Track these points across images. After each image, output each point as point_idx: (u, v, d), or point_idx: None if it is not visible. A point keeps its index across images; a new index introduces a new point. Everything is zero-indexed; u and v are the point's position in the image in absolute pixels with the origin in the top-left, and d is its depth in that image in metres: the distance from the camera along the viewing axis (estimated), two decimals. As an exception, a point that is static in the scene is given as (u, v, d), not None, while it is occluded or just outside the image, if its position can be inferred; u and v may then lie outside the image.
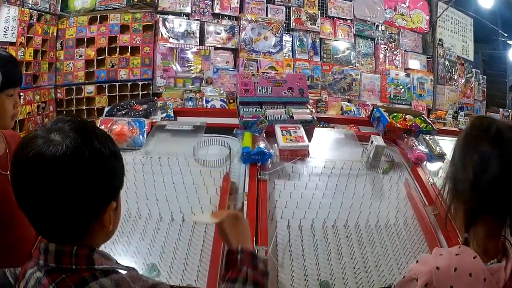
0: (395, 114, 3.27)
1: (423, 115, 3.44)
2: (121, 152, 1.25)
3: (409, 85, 7.52)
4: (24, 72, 4.92)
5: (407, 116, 3.27)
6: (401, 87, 7.42)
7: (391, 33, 7.80)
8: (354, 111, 6.53)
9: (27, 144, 1.10)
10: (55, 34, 5.60)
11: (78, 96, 5.66)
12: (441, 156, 2.87)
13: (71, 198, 1.09)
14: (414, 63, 7.90)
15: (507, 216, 1.31)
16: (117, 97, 5.74)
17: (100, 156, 1.13)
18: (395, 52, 7.68)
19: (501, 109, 8.77)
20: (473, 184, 1.30)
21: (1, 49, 2.29)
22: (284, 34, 6.77)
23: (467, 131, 1.41)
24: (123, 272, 1.18)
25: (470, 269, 1.25)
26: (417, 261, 1.36)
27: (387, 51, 7.61)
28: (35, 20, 5.15)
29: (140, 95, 5.79)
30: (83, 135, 1.12)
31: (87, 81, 5.70)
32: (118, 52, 5.80)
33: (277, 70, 6.34)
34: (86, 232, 1.17)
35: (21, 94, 4.63)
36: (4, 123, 2.11)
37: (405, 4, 7.97)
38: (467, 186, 1.31)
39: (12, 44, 4.81)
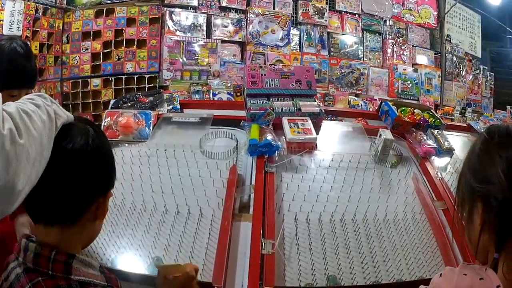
0: (403, 108, 3.24)
1: (432, 110, 3.40)
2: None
3: (416, 81, 7.50)
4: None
5: (415, 110, 3.24)
6: (408, 82, 7.40)
7: (399, 28, 7.76)
8: (361, 105, 6.48)
9: None
10: (61, 27, 5.62)
11: (84, 90, 5.67)
12: (449, 151, 2.85)
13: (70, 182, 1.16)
14: (422, 59, 7.86)
15: None
16: (124, 90, 5.75)
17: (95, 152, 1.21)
18: (402, 47, 7.65)
19: (508, 107, 8.71)
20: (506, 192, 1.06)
21: (18, 41, 2.09)
22: (291, 28, 6.76)
23: (485, 139, 1.18)
24: (102, 284, 1.18)
25: None
26: (440, 275, 1.17)
27: (394, 46, 7.58)
28: (40, 13, 5.17)
29: (146, 88, 5.80)
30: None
31: (93, 74, 5.72)
32: (124, 45, 5.82)
33: (284, 64, 6.31)
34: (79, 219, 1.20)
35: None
36: None
37: (413, -1, 7.94)
38: (498, 197, 1.06)
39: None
